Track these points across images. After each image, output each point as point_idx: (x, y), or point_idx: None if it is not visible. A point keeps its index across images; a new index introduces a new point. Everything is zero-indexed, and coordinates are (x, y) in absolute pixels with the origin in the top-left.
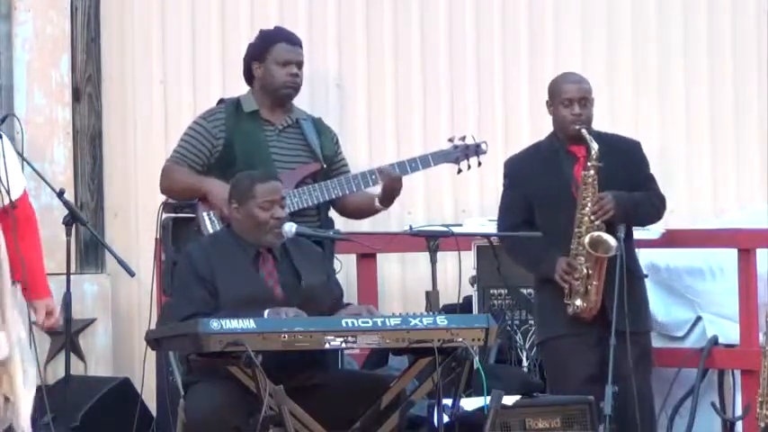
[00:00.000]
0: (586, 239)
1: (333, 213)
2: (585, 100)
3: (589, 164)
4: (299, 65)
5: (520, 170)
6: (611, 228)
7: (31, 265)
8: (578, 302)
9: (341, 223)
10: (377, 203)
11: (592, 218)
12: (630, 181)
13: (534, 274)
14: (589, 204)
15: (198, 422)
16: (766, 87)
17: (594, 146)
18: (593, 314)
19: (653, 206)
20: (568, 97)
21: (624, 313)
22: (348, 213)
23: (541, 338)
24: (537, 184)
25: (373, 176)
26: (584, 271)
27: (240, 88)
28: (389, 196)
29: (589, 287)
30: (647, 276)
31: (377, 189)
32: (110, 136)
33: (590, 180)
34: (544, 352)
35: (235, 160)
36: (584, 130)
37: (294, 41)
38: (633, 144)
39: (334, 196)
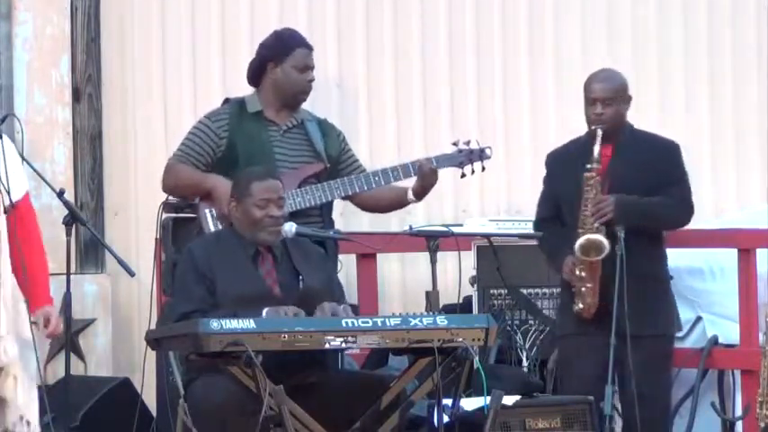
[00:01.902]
0: (576, 245)
1: (334, 215)
2: (611, 99)
3: (589, 166)
4: (313, 70)
5: (552, 165)
6: (610, 228)
7: (31, 271)
8: (580, 304)
9: (341, 223)
10: (410, 196)
11: (591, 220)
12: (653, 181)
13: (552, 269)
14: (590, 206)
15: (211, 409)
16: (766, 87)
17: (597, 149)
18: (591, 315)
19: (668, 212)
20: (593, 96)
21: (624, 314)
22: (380, 209)
23: (555, 336)
24: (563, 180)
25: (376, 177)
26: (578, 273)
27: (240, 88)
28: (425, 190)
29: (583, 289)
30: (671, 278)
31: (401, 184)
32: (110, 136)
33: (591, 182)
34: (557, 349)
35: (237, 160)
36: (599, 131)
37: (311, 47)
38: (666, 145)
39: (337, 196)
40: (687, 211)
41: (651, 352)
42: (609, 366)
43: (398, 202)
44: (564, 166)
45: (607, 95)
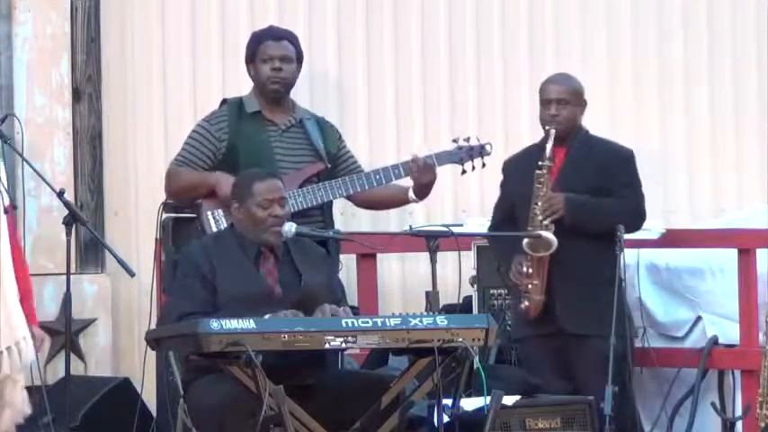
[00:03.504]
0: (525, 240)
1: (334, 214)
2: (565, 101)
3: (540, 163)
4: (282, 59)
5: (507, 169)
6: (560, 226)
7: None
8: (526, 301)
9: (341, 223)
10: (411, 195)
11: (540, 217)
12: (602, 185)
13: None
14: (540, 203)
15: (211, 409)
16: (766, 87)
17: (549, 146)
18: (537, 313)
19: (617, 214)
20: (546, 98)
21: (624, 315)
22: (381, 208)
23: (514, 338)
24: (517, 183)
25: (377, 176)
26: (525, 269)
27: (240, 88)
28: (424, 188)
29: (530, 286)
30: (623, 281)
31: (402, 182)
32: (110, 136)
33: (542, 180)
34: (518, 352)
35: (238, 162)
36: (552, 131)
37: (279, 37)
38: (618, 151)
39: (338, 196)
40: (637, 216)
41: (599, 352)
42: (563, 367)
43: (399, 201)
44: (519, 169)
45: (562, 96)
